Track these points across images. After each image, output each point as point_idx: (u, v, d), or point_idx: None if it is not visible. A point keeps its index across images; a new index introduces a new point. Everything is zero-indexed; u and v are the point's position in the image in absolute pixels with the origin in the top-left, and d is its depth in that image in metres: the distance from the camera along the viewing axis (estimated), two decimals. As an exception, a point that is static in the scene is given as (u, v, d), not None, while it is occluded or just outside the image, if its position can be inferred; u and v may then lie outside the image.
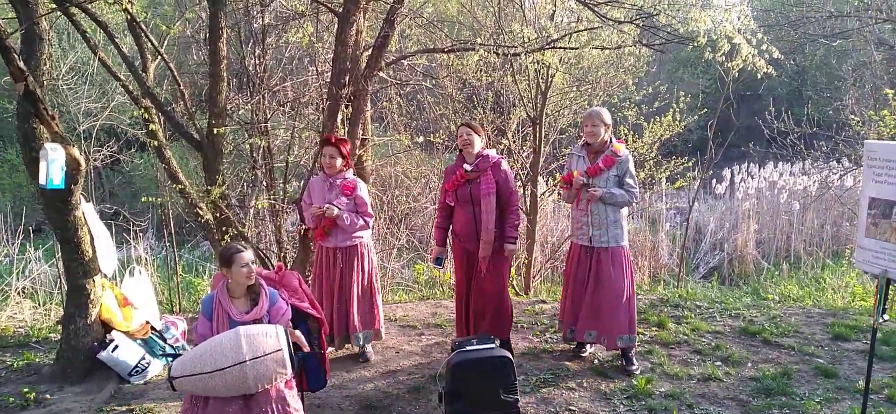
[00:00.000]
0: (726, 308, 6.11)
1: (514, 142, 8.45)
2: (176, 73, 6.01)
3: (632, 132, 8.29)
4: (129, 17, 5.65)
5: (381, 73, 6.38)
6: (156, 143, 5.96)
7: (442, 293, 7.44)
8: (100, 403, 4.23)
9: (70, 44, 11.73)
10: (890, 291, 6.79)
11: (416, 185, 9.09)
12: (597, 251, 4.52)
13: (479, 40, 6.74)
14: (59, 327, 5.14)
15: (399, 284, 8.00)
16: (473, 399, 3.63)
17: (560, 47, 6.72)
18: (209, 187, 5.78)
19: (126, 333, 4.67)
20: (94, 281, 4.55)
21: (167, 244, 7.14)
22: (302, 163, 7.32)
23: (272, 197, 6.76)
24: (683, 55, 17.31)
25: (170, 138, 7.89)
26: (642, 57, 8.38)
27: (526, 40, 6.52)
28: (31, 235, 7.97)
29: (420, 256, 8.85)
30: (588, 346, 4.87)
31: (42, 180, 4.07)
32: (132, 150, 13.16)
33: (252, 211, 7.33)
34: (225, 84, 5.93)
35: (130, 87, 6.01)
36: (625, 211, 4.61)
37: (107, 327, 4.64)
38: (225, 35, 5.84)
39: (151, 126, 5.91)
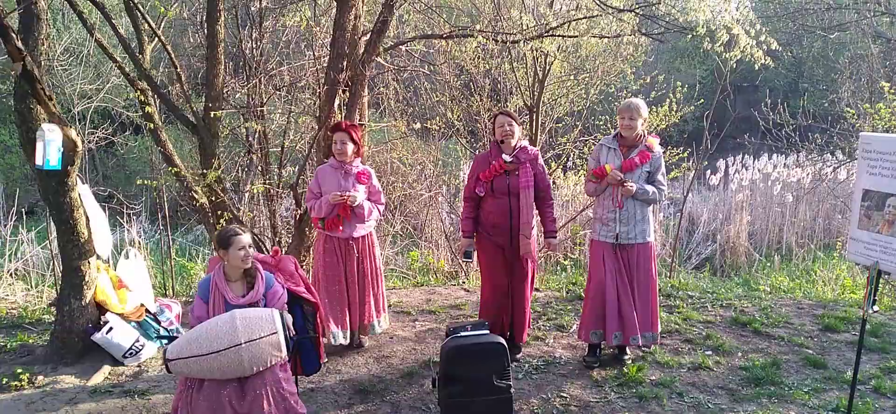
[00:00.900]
0: (718, 298, 6.16)
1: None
2: (173, 56, 5.99)
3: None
4: (125, -3, 5.62)
5: (378, 59, 6.35)
6: (152, 125, 5.93)
7: (436, 280, 7.46)
8: (94, 385, 4.24)
9: (65, 25, 11.65)
10: (880, 284, 6.87)
11: (412, 172, 9.09)
12: (625, 249, 4.37)
13: (477, 27, 6.73)
14: (52, 309, 5.15)
15: (393, 270, 8.02)
16: (467, 385, 3.66)
17: (558, 35, 6.70)
18: (205, 171, 5.78)
19: (120, 315, 4.67)
20: (89, 263, 4.55)
21: (161, 228, 7.13)
22: (297, 148, 7.32)
23: (267, 182, 6.76)
24: (681, 45, 17.30)
25: (166, 121, 7.87)
26: (641, 46, 8.38)
27: (524, 27, 6.51)
28: (24, 216, 7.94)
29: (415, 242, 8.87)
30: (599, 351, 4.60)
31: (39, 161, 4.06)
32: (127, 133, 13.11)
33: (247, 195, 7.33)
34: (222, 67, 5.90)
35: (126, 69, 5.98)
36: (650, 206, 4.45)
37: (101, 309, 4.65)
38: (222, 18, 5.81)
39: (147, 108, 5.88)
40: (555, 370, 4.52)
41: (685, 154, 8.60)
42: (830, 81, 15.13)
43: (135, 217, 8.75)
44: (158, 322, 4.91)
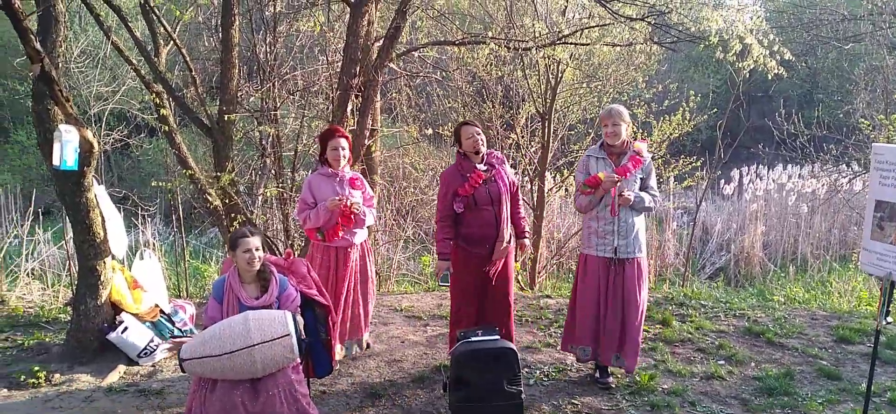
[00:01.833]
0: (731, 308, 6.12)
1: (523, 137, 8.46)
2: (187, 59, 6.05)
3: (641, 130, 8.29)
4: (142, 1, 5.68)
5: (391, 65, 6.39)
6: (166, 128, 6.00)
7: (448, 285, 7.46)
8: (108, 384, 4.28)
9: (82, 27, 11.79)
10: (895, 295, 6.79)
11: (424, 178, 9.12)
12: (621, 263, 4.15)
13: (489, 34, 6.75)
14: (68, 308, 5.21)
15: (405, 275, 8.04)
16: (477, 389, 3.66)
17: (571, 43, 6.71)
18: (218, 174, 5.83)
19: (135, 315, 4.72)
20: (104, 263, 4.60)
21: (175, 230, 7.19)
22: (310, 152, 7.35)
23: (281, 185, 6.80)
24: (694, 54, 17.24)
25: (180, 124, 7.95)
26: (653, 55, 8.37)
27: (537, 35, 6.52)
28: (40, 216, 8.04)
29: (426, 247, 8.88)
30: (610, 375, 4.39)
31: (56, 161, 4.12)
32: (142, 135, 13.24)
33: (260, 199, 7.38)
34: (236, 71, 5.96)
35: (142, 72, 6.06)
36: (642, 217, 4.28)
37: (116, 309, 4.69)
38: (237, 22, 5.87)
39: (162, 111, 5.95)
40: (566, 377, 4.51)
41: (698, 163, 8.57)
42: (845, 92, 15.01)
43: (149, 218, 8.84)
44: (172, 322, 4.95)
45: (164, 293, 5.23)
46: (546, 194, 8.19)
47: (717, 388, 4.38)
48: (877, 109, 10.52)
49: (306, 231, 4.57)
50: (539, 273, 8.20)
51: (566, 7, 7.73)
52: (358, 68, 5.67)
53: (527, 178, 8.31)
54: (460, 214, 4.31)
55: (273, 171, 7.14)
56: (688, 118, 8.12)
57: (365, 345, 4.87)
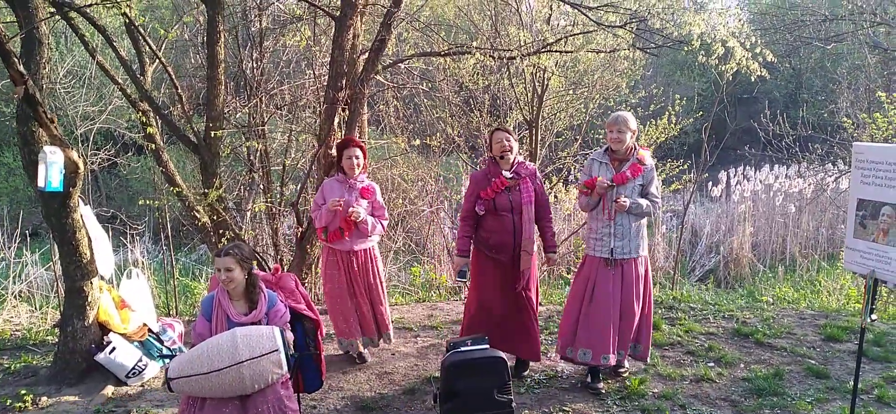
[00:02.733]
0: (720, 310, 6.15)
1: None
2: (173, 77, 6.05)
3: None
4: (127, 20, 5.69)
5: (377, 77, 6.41)
6: (153, 146, 5.99)
7: (438, 295, 7.46)
8: (97, 405, 4.25)
9: (68, 47, 11.77)
10: (883, 293, 6.84)
11: (413, 189, 9.13)
12: (619, 264, 4.26)
13: (475, 44, 6.79)
14: (56, 330, 5.16)
15: (396, 286, 8.03)
16: (468, 399, 3.67)
17: (556, 51, 6.76)
18: (206, 190, 5.82)
19: (123, 335, 4.69)
20: (91, 283, 4.57)
21: (164, 247, 7.16)
22: (299, 166, 7.36)
23: (269, 200, 6.80)
24: (679, 58, 17.39)
25: (167, 141, 7.93)
26: (637, 60, 8.44)
27: (522, 44, 6.57)
28: (28, 238, 7.98)
29: (417, 258, 8.88)
30: (600, 381, 4.43)
31: (41, 183, 4.10)
32: (129, 154, 13.19)
33: (249, 214, 7.37)
34: (222, 87, 5.96)
35: (128, 91, 6.05)
36: (644, 220, 4.37)
37: (104, 329, 4.66)
38: (223, 38, 5.88)
39: (149, 129, 5.94)
40: (557, 384, 4.52)
41: (685, 166, 8.64)
42: (829, 92, 15.19)
43: (138, 237, 8.79)
44: (161, 342, 4.92)
45: (152, 312, 5.20)
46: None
47: (707, 390, 4.40)
48: (860, 108, 10.66)
49: (317, 231, 4.83)
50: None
51: (550, 15, 7.80)
52: (344, 81, 5.68)
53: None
54: (482, 218, 4.43)
55: (261, 186, 7.15)
56: (674, 122, 8.19)
57: (386, 339, 5.00)
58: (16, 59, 3.85)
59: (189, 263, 9.93)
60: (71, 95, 10.45)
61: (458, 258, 4.52)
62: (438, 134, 8.77)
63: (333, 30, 5.86)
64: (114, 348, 4.53)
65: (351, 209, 4.51)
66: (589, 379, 4.42)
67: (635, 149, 4.28)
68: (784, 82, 18.47)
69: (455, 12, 8.71)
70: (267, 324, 3.36)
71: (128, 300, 4.92)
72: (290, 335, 3.42)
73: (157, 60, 6.03)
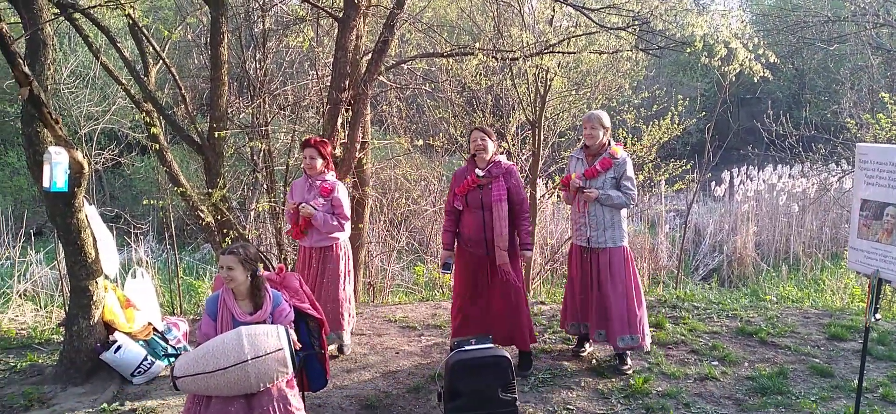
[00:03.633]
0: (724, 309, 6.15)
1: (514, 145, 8.51)
2: (177, 77, 6.07)
3: (631, 135, 8.35)
4: (130, 21, 5.71)
5: (380, 77, 6.42)
6: (157, 146, 6.01)
7: (442, 294, 7.49)
8: (102, 404, 4.27)
9: (72, 48, 11.80)
10: (887, 291, 6.83)
11: (416, 188, 9.14)
12: (595, 252, 4.57)
13: (478, 44, 6.80)
14: (61, 329, 5.19)
15: (399, 285, 8.05)
16: (472, 398, 3.67)
17: (558, 52, 6.76)
18: (210, 190, 5.83)
19: (128, 334, 4.71)
20: (96, 282, 4.59)
21: (168, 247, 7.18)
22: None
23: (272, 200, 6.81)
24: (682, 59, 17.36)
25: (171, 142, 7.96)
26: (640, 61, 8.44)
27: (525, 45, 6.57)
28: (32, 237, 8.02)
29: (420, 258, 8.90)
30: (587, 344, 4.95)
31: (46, 183, 4.12)
32: (133, 154, 13.22)
33: (253, 214, 7.39)
34: (226, 88, 5.98)
35: (132, 91, 6.07)
36: (624, 212, 4.64)
37: (109, 328, 4.68)
38: (226, 39, 5.89)
39: (153, 129, 5.96)
40: (561, 382, 4.52)
41: (689, 166, 8.63)
42: (832, 92, 15.16)
43: (142, 237, 8.82)
44: (166, 340, 4.94)
45: (157, 311, 5.22)
46: (538, 201, 8.23)
47: (711, 389, 4.41)
48: (863, 109, 10.63)
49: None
50: (533, 279, 8.23)
51: (553, 17, 7.80)
52: (347, 82, 5.70)
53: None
54: (461, 213, 4.67)
55: (265, 186, 7.16)
56: (677, 122, 8.18)
57: (339, 347, 5.03)
58: (21, 61, 3.87)
59: (193, 262, 9.95)
60: (75, 96, 10.47)
61: (443, 251, 4.80)
62: (441, 134, 8.78)
63: (336, 31, 5.88)
64: (119, 347, 4.55)
65: (302, 205, 4.71)
66: (575, 346, 5.03)
67: (609, 144, 4.58)
68: (787, 83, 18.46)
69: (458, 13, 8.72)
70: (272, 323, 3.37)
71: (133, 299, 4.95)
72: (294, 335, 3.42)
73: (161, 61, 6.05)
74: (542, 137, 7.99)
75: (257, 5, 7.01)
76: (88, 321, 4.55)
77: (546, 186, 8.99)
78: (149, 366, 4.63)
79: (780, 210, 11.92)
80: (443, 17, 8.74)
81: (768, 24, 14.40)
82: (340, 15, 5.73)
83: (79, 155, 4.33)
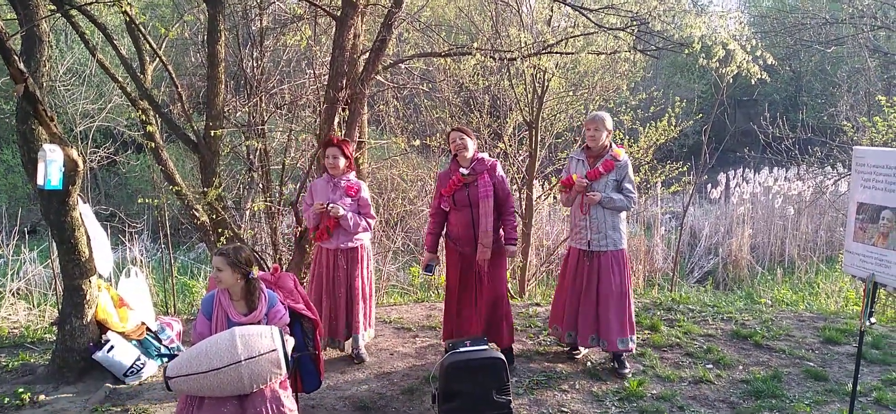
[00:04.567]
0: (718, 312, 6.15)
1: (511, 146, 8.50)
2: (173, 75, 6.04)
3: (627, 137, 8.35)
4: (127, 19, 5.68)
5: (378, 77, 6.40)
6: (153, 144, 5.98)
7: (437, 295, 7.46)
8: (95, 404, 4.25)
9: (68, 45, 11.76)
10: (881, 295, 6.84)
11: (412, 189, 9.13)
12: (596, 255, 4.54)
13: (476, 44, 6.78)
14: (54, 328, 5.16)
15: (394, 286, 8.03)
16: (466, 400, 3.67)
17: (556, 52, 6.76)
18: (206, 189, 5.81)
19: (121, 333, 4.69)
20: (90, 282, 4.57)
21: (163, 246, 7.16)
22: (298, 165, 7.36)
23: (268, 199, 6.79)
24: (680, 60, 17.40)
25: (167, 140, 7.93)
26: (638, 62, 8.43)
27: (523, 45, 6.56)
28: (26, 236, 7.97)
29: (415, 258, 8.88)
30: (581, 347, 4.91)
31: (40, 181, 4.10)
32: (129, 152, 13.17)
33: (248, 213, 7.36)
34: (222, 86, 5.96)
35: (128, 89, 6.04)
36: (623, 215, 4.63)
37: (102, 328, 4.66)
38: (223, 38, 5.87)
39: (149, 128, 5.93)
40: (555, 385, 4.52)
41: (685, 168, 8.64)
42: (829, 95, 15.19)
43: (137, 235, 8.79)
44: (159, 340, 4.92)
45: (151, 311, 5.20)
46: (534, 202, 8.22)
47: (706, 392, 4.41)
48: (859, 111, 10.66)
49: (309, 230, 4.97)
50: (528, 281, 8.22)
51: (551, 17, 7.79)
52: (345, 81, 5.68)
53: (515, 187, 8.34)
54: (448, 213, 4.71)
55: (261, 186, 7.13)
56: (674, 124, 8.19)
57: (354, 350, 4.95)
58: (16, 57, 3.85)
59: (188, 261, 9.93)
60: (71, 93, 10.43)
61: (426, 253, 4.84)
62: (438, 134, 8.76)
63: (334, 30, 5.86)
64: (112, 347, 4.52)
65: (331, 205, 4.61)
66: (568, 350, 4.96)
67: (610, 146, 4.54)
68: (784, 85, 18.49)
69: (455, 13, 8.71)
70: (267, 324, 3.35)
71: (126, 299, 4.92)
72: (290, 339, 3.41)
73: (158, 59, 6.02)
74: (540, 138, 7.99)
75: (255, 3, 7.00)
76: (81, 321, 4.53)
77: (542, 188, 8.98)
78: (141, 366, 4.61)
79: (775, 213, 11.94)
80: (441, 17, 8.73)
81: (766, 26, 14.44)
82: (338, 13, 5.71)
83: (73, 152, 4.31)
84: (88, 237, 4.59)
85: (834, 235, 11.59)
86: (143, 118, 5.96)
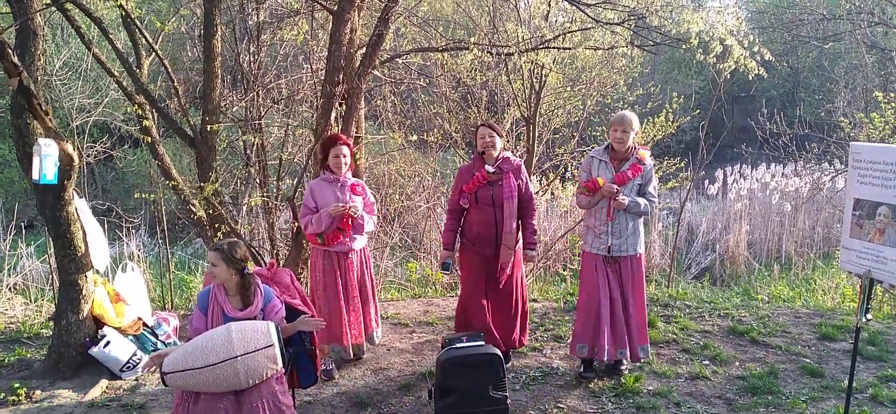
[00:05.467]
0: (715, 308, 6.16)
1: (508, 141, 8.49)
2: (170, 70, 6.02)
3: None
4: (123, 12, 5.65)
5: (375, 72, 6.39)
6: (149, 139, 5.96)
7: (434, 291, 7.46)
8: (91, 399, 4.24)
9: (64, 39, 11.71)
10: (878, 292, 6.86)
11: (410, 184, 9.11)
12: (617, 261, 4.34)
13: (473, 39, 6.77)
14: (51, 323, 5.15)
15: (391, 282, 8.03)
16: (463, 396, 3.67)
17: (554, 47, 6.75)
18: (202, 184, 5.79)
19: (118, 328, 4.68)
20: (86, 277, 4.56)
21: (160, 241, 7.14)
22: (295, 160, 7.34)
23: (265, 194, 6.77)
24: (677, 56, 17.38)
25: (163, 135, 7.90)
26: (635, 58, 8.43)
27: (520, 40, 6.55)
28: (23, 230, 7.96)
29: (413, 254, 8.88)
30: (595, 362, 4.55)
31: (35, 176, 4.08)
32: (125, 147, 13.15)
33: (245, 208, 7.34)
34: (219, 81, 5.94)
35: (124, 83, 6.01)
36: (641, 218, 4.43)
37: (99, 323, 4.65)
38: (219, 32, 5.85)
39: (145, 122, 5.91)
40: (552, 381, 4.52)
41: (682, 164, 8.63)
42: (826, 91, 15.21)
43: (134, 230, 8.76)
44: (156, 336, 4.91)
45: (147, 306, 5.19)
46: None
47: (702, 388, 4.41)
48: (857, 107, 10.67)
49: (307, 236, 4.63)
50: (526, 276, 8.21)
51: (549, 12, 7.77)
52: (341, 76, 5.66)
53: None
54: (467, 211, 4.53)
55: (258, 180, 7.11)
56: (671, 120, 8.18)
57: (371, 341, 4.90)
58: (10, 51, 3.83)
59: (185, 256, 9.91)
60: (67, 88, 10.40)
61: (444, 250, 4.64)
62: (436, 130, 8.75)
63: (331, 24, 5.84)
64: (108, 342, 4.52)
65: (351, 205, 4.44)
66: (582, 369, 4.54)
67: (635, 148, 4.34)
68: (781, 81, 18.49)
69: (453, 8, 8.68)
70: (263, 319, 3.35)
71: (123, 294, 4.91)
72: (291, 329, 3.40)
73: (154, 53, 5.99)
74: (537, 134, 7.98)
75: (251, -3, 6.96)
76: (77, 316, 4.51)
77: (540, 183, 8.98)
78: (138, 361, 4.60)
79: (772, 209, 11.95)
80: (438, 12, 8.71)
81: (764, 22, 14.43)
82: (335, 8, 5.68)
83: (69, 147, 4.29)
84: (84, 232, 4.58)
85: (831, 231, 11.62)
86: (140, 113, 5.93)
